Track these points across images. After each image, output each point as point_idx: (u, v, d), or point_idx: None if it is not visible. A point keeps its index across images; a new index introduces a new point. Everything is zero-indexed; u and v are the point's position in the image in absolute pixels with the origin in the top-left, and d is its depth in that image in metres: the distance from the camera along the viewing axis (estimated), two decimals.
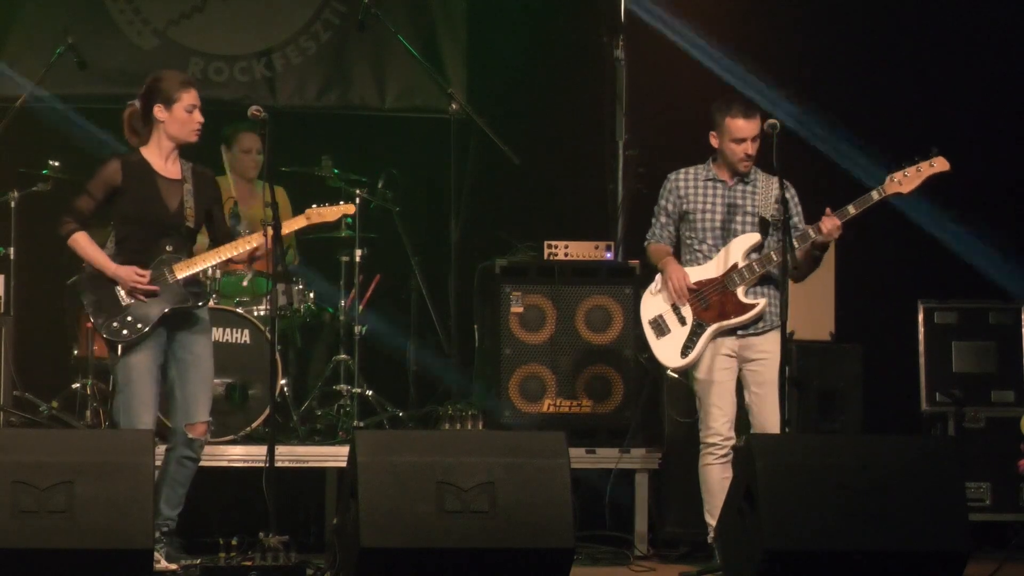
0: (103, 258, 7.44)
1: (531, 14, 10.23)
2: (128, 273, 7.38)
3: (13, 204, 8.96)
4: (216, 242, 7.65)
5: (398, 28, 9.68)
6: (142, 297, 7.39)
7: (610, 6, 9.97)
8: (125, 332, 7.38)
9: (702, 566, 7.85)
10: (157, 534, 7.35)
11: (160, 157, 7.48)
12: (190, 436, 7.48)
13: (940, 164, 7.65)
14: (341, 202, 7.95)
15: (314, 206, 7.85)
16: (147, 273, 7.39)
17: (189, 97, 7.42)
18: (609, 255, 9.16)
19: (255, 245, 7.58)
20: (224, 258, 7.59)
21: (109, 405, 8.98)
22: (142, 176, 7.44)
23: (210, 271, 8.43)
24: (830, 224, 7.62)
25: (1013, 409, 9.13)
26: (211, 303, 8.20)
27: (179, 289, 7.44)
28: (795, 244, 7.60)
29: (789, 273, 7.57)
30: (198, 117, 7.45)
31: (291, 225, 7.77)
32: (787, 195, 7.66)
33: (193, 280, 7.52)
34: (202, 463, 7.67)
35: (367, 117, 10.26)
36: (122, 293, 7.41)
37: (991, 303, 9.44)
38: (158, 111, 7.43)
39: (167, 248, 7.44)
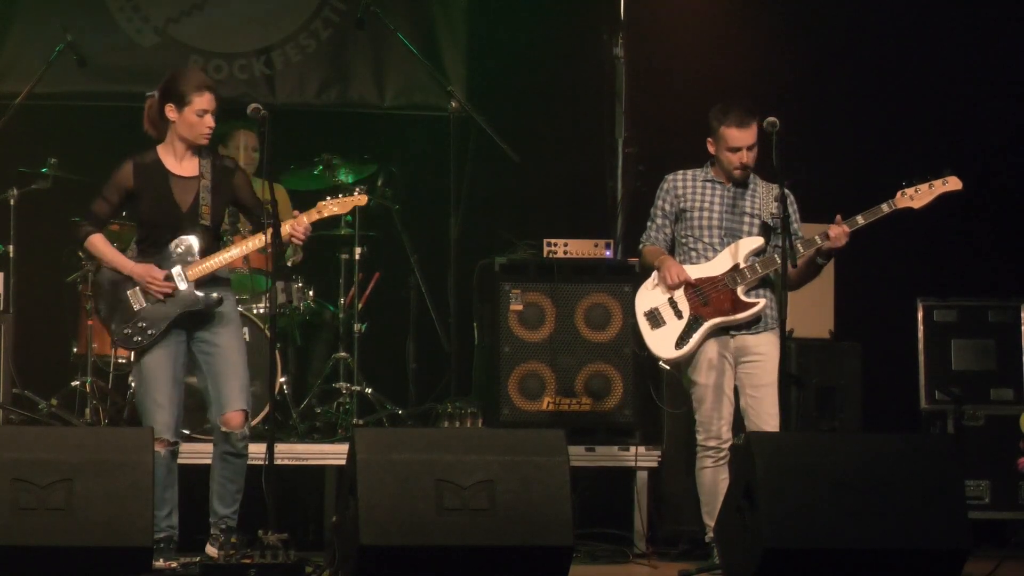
0: (119, 257, 7.42)
1: (531, 11, 10.22)
2: (144, 271, 7.36)
3: (13, 202, 8.96)
4: (257, 229, 7.46)
5: (398, 26, 9.68)
6: (159, 295, 7.35)
7: (609, 4, 9.96)
8: (137, 339, 7.36)
9: (701, 564, 7.84)
10: (215, 531, 7.39)
11: (174, 155, 7.43)
12: (223, 429, 7.37)
13: (953, 183, 7.69)
14: (356, 192, 7.76)
15: (327, 199, 7.70)
16: (162, 272, 7.35)
17: (202, 101, 7.31)
18: (608, 253, 9.15)
19: (257, 245, 7.42)
20: (233, 257, 7.45)
21: (108, 403, 8.99)
22: (154, 176, 7.38)
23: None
24: (838, 230, 7.58)
25: (1012, 407, 9.14)
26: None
27: (190, 292, 7.38)
28: (798, 247, 7.60)
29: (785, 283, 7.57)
30: (208, 122, 7.34)
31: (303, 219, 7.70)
32: (787, 198, 7.65)
33: (210, 279, 7.42)
34: (201, 461, 7.66)
35: (367, 115, 10.25)
36: (134, 298, 7.37)
37: (990, 301, 9.44)
38: (169, 111, 7.36)
39: (179, 249, 7.40)
